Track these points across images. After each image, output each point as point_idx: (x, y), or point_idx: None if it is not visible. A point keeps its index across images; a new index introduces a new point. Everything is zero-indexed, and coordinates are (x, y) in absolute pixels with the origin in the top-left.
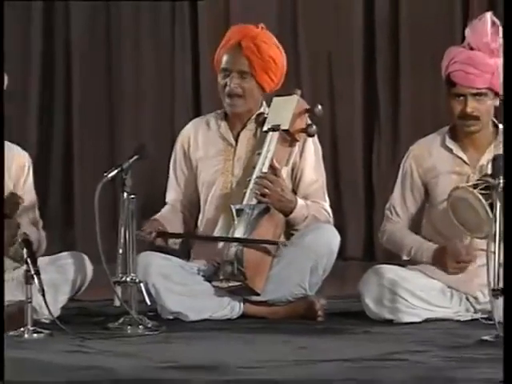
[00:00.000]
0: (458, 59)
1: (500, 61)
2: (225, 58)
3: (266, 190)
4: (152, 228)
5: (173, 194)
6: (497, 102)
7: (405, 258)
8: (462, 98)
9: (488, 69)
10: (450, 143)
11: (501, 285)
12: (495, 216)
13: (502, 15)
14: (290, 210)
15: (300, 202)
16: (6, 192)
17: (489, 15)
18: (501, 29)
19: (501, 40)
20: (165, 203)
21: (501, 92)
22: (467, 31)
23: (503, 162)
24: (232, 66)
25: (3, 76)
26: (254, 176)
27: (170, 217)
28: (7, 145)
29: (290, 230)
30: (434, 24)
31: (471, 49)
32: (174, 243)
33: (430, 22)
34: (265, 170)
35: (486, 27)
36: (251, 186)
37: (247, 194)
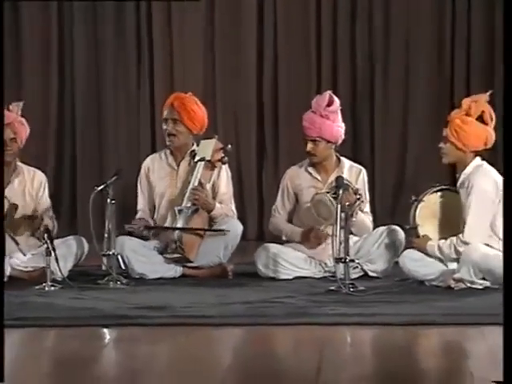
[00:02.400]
0: (305, 118)
1: (328, 122)
2: (165, 113)
3: (197, 197)
4: (141, 223)
5: (141, 202)
6: (333, 146)
7: (283, 238)
8: (305, 141)
9: (316, 125)
10: (309, 169)
11: (341, 255)
12: (336, 212)
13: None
14: (212, 209)
15: (217, 205)
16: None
17: (328, 93)
18: (336, 102)
19: (331, 108)
20: (134, 206)
21: (335, 140)
22: (314, 100)
23: (504, 163)
24: (168, 116)
25: (3, 75)
26: (189, 189)
27: (145, 217)
28: (30, 169)
29: (211, 222)
30: (299, 93)
31: (314, 112)
32: (149, 233)
33: (297, 93)
34: (196, 184)
35: (323, 100)
36: (187, 195)
37: (185, 200)
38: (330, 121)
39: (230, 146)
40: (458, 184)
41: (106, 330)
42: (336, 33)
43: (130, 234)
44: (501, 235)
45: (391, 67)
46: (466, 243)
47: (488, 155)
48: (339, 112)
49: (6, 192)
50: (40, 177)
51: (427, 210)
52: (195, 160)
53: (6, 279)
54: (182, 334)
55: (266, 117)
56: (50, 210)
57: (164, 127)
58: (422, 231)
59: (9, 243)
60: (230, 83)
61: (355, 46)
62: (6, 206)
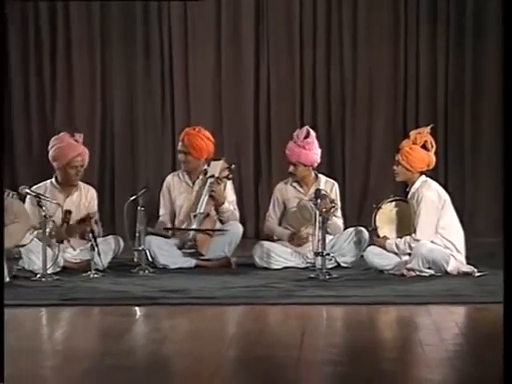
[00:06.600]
0: (287, 146)
1: (304, 150)
2: (179, 145)
3: (214, 189)
4: (160, 226)
5: (163, 211)
6: (310, 168)
7: (275, 238)
8: (288, 164)
9: (295, 153)
10: (294, 184)
11: (319, 250)
12: (316, 216)
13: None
14: (223, 202)
15: (226, 203)
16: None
17: (305, 127)
18: (312, 134)
19: (307, 140)
20: (158, 212)
21: (311, 164)
22: (294, 133)
23: (503, 163)
24: (181, 149)
25: (4, 74)
26: (202, 199)
27: (165, 222)
28: (86, 185)
29: (219, 216)
30: (287, 125)
31: (294, 142)
32: (167, 232)
33: (285, 125)
34: (207, 197)
35: (301, 133)
36: (201, 202)
37: (198, 208)
38: (307, 150)
39: (233, 166)
40: (409, 196)
41: (137, 308)
42: (315, 77)
43: (153, 234)
44: (444, 233)
45: (358, 105)
46: (417, 240)
47: (430, 174)
48: (315, 141)
49: (66, 202)
50: (92, 192)
51: (384, 216)
52: (206, 176)
53: (59, 269)
54: (195, 312)
55: (261, 143)
56: (98, 218)
57: (179, 156)
58: (380, 232)
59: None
60: (234, 118)
61: (330, 88)
62: (61, 213)
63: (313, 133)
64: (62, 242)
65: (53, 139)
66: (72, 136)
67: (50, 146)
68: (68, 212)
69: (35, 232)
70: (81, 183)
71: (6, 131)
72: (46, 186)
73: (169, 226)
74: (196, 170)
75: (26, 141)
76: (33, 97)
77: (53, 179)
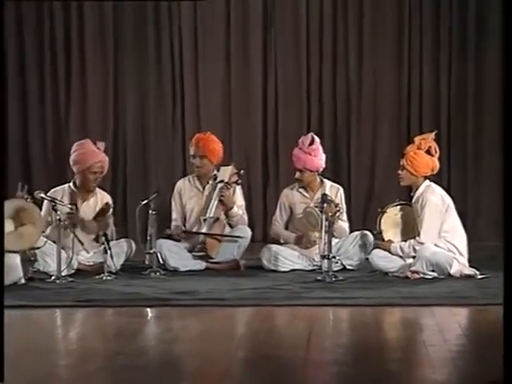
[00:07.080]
0: (293, 153)
1: (310, 157)
2: (192, 150)
3: (223, 194)
4: (180, 229)
5: (175, 214)
6: (315, 174)
7: (282, 241)
8: (294, 170)
9: (301, 160)
10: (300, 189)
11: (325, 253)
12: (322, 220)
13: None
14: (232, 207)
15: (235, 207)
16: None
17: (310, 134)
18: (317, 141)
19: (312, 146)
20: (169, 216)
21: (316, 169)
22: (300, 140)
23: (503, 167)
24: (195, 153)
25: (3, 76)
26: (211, 203)
27: (180, 225)
28: (102, 192)
29: (228, 220)
30: (294, 131)
31: (300, 149)
32: (185, 235)
33: (292, 131)
34: (216, 201)
35: (306, 140)
36: (210, 206)
37: (208, 212)
38: (312, 156)
39: (242, 171)
40: (413, 201)
41: (148, 309)
42: (321, 84)
43: (168, 236)
44: (447, 237)
45: (363, 110)
46: (421, 243)
47: (434, 178)
48: (320, 147)
49: (82, 206)
50: (107, 198)
51: (389, 220)
52: (216, 181)
53: (73, 271)
54: (205, 313)
55: (269, 149)
56: (111, 220)
57: (192, 161)
58: (385, 236)
59: (76, 244)
60: (242, 124)
61: (336, 94)
62: (100, 206)
63: (317, 139)
64: (73, 226)
65: (75, 144)
66: (94, 144)
67: (72, 151)
68: (106, 204)
69: (47, 230)
70: (97, 189)
71: (20, 134)
72: (63, 190)
73: (183, 229)
74: (207, 175)
75: (40, 144)
76: (47, 100)
77: (71, 183)
